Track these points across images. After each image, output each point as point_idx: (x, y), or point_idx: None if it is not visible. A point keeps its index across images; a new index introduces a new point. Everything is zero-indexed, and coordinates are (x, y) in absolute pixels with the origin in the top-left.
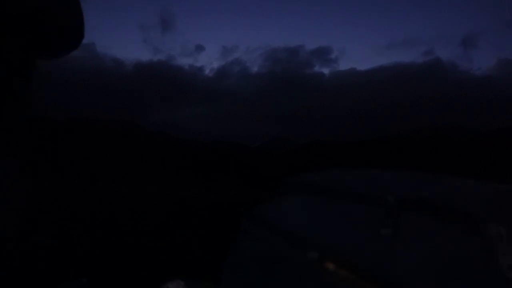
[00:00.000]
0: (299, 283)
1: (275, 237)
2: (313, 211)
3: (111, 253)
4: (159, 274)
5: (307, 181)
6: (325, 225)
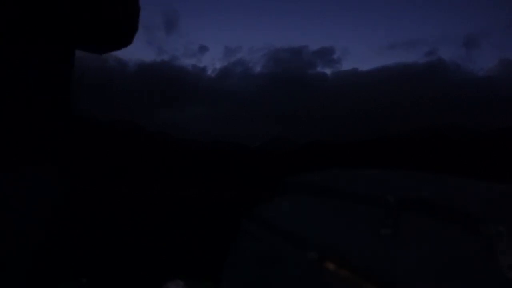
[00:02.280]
0: (299, 283)
1: (275, 237)
2: (313, 211)
3: (111, 253)
4: (159, 274)
5: (307, 181)
6: (325, 225)
